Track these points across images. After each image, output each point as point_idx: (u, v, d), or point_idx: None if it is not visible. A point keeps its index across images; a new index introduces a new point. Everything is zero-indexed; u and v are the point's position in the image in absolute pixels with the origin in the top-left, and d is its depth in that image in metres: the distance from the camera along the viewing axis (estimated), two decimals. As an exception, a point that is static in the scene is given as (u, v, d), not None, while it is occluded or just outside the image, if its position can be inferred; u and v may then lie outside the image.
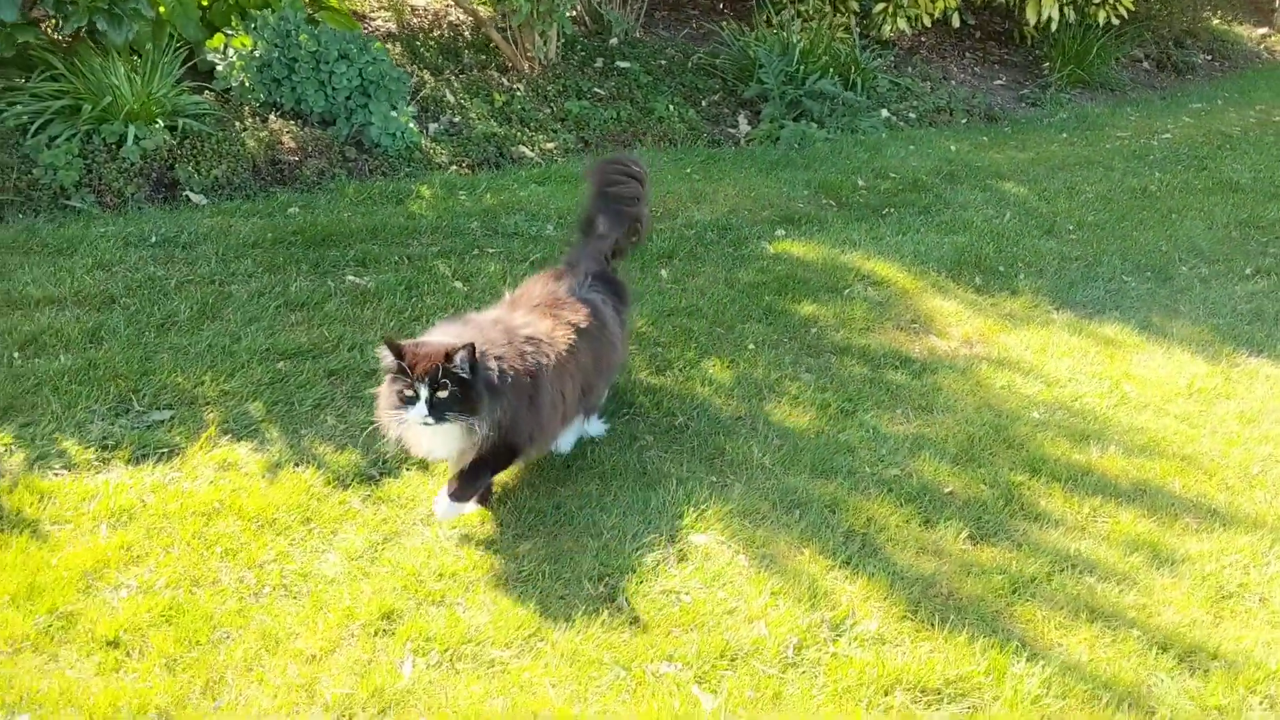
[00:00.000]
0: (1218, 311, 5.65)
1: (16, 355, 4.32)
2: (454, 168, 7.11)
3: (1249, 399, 4.74)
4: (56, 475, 3.64)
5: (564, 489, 3.74)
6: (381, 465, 3.81)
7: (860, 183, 7.15)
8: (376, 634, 3.08)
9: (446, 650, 3.02)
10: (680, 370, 4.63)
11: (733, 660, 3.06)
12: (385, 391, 3.25)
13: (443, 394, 3.14)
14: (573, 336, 3.58)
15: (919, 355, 4.93)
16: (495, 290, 4.97)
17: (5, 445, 3.77)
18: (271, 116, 7.00)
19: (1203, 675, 3.13)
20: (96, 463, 3.73)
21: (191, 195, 6.25)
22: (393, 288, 5.12)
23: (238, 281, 5.10)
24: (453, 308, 4.94)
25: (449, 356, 3.13)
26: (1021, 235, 6.48)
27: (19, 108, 6.28)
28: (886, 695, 2.97)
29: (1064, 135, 8.88)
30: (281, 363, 4.42)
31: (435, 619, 3.12)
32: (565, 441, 3.86)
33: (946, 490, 3.92)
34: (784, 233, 6.25)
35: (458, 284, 5.26)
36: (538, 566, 3.38)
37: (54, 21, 6.30)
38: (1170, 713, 2.96)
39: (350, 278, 5.25)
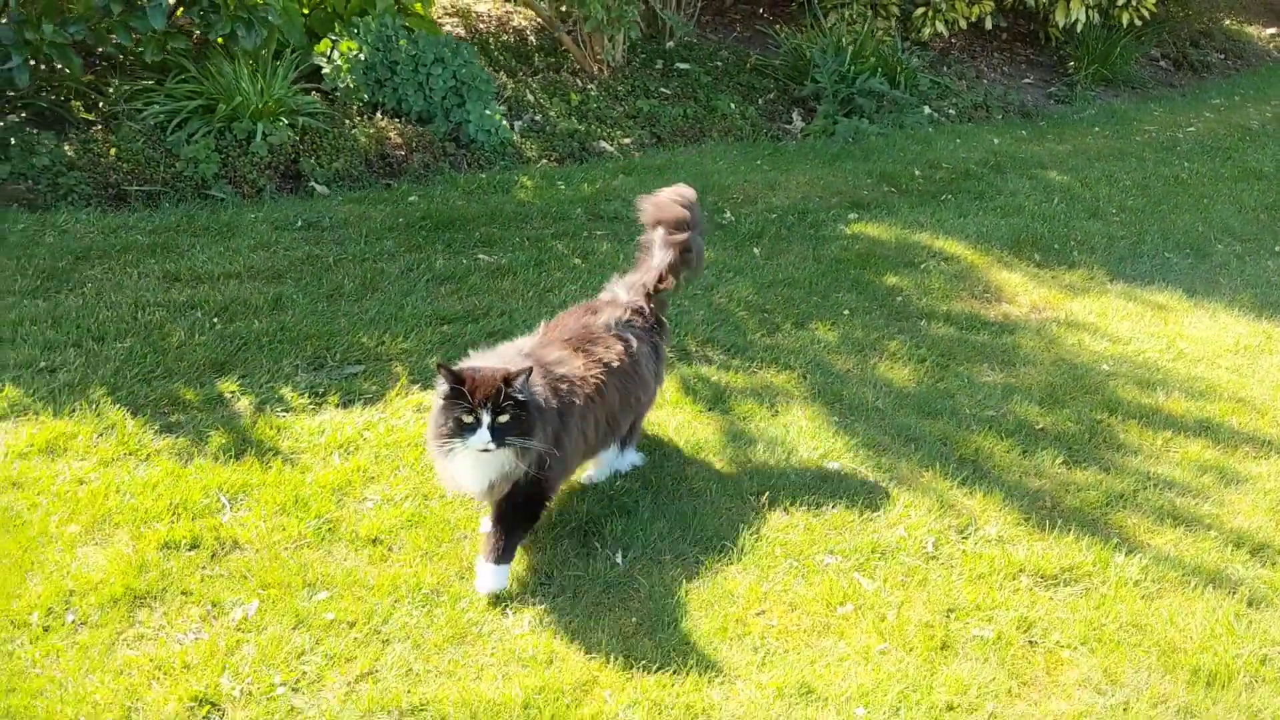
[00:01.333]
0: (1253, 283, 6.30)
1: (215, 320, 4.94)
2: (543, 161, 7.74)
3: (1289, 354, 5.39)
4: (282, 415, 4.27)
5: (705, 430, 4.37)
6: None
7: (916, 172, 7.79)
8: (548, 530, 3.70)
9: (645, 549, 3.64)
10: (788, 332, 5.27)
11: (883, 555, 3.69)
12: (438, 418, 3.24)
13: (504, 418, 3.15)
14: (603, 375, 3.58)
15: (995, 319, 5.57)
16: (611, 266, 5.59)
17: (231, 392, 4.40)
18: (376, 115, 7.62)
19: (1271, 565, 3.76)
20: (311, 406, 4.35)
21: (316, 186, 6.88)
22: (523, 264, 5.75)
23: (384, 259, 5.72)
24: (577, 281, 5.57)
25: (509, 381, 3.16)
26: (1070, 218, 7.13)
27: (156, 107, 6.91)
28: (1014, 580, 3.61)
29: (1096, 129, 9.53)
30: (445, 326, 5.05)
31: (624, 523, 3.74)
32: (599, 473, 3.92)
33: (1038, 427, 4.55)
34: (856, 216, 6.89)
35: (577, 260, 5.90)
36: (705, 485, 4.01)
37: (197, 28, 6.91)
38: (1249, 591, 3.59)
39: (481, 256, 5.88)
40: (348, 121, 7.44)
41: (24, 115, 6.89)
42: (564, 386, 3.43)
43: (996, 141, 8.80)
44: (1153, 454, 4.42)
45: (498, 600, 3.34)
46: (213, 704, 2.91)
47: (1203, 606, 3.51)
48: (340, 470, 3.93)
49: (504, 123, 7.79)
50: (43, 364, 4.45)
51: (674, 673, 3.09)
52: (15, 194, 6.28)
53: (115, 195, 6.44)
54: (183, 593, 3.30)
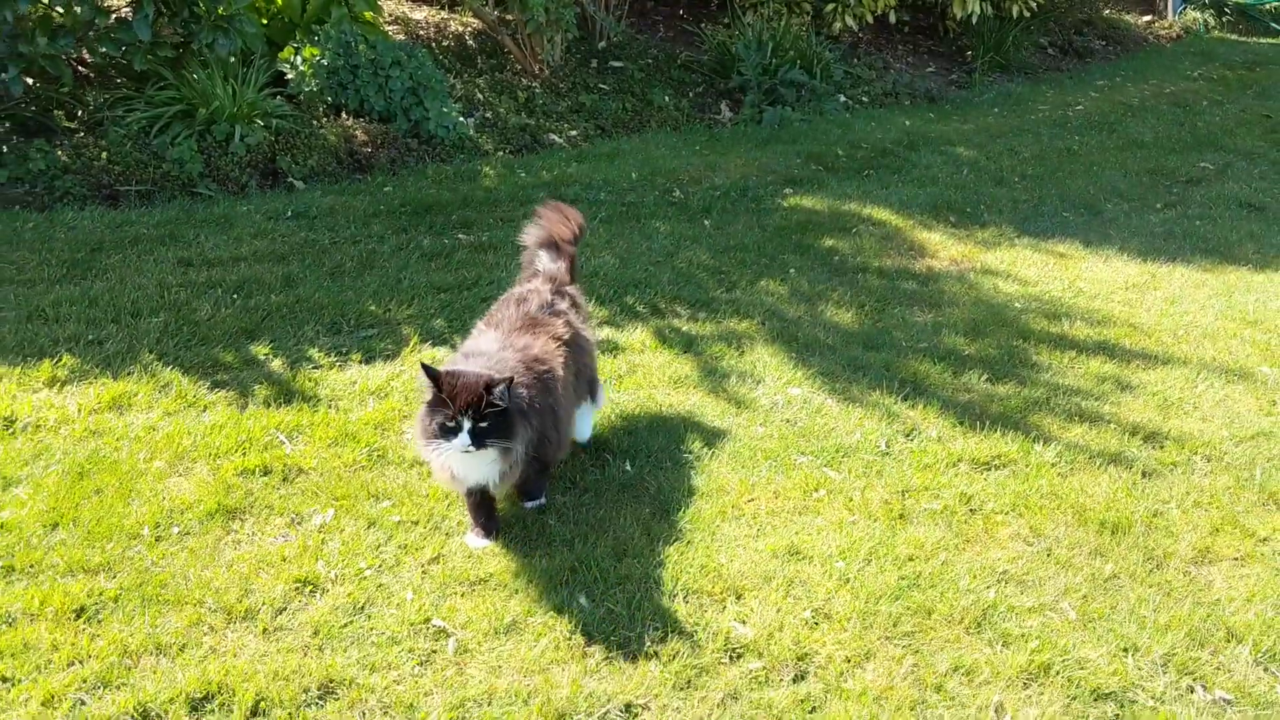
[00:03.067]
0: (1139, 234, 7.20)
1: (235, 296, 5.51)
2: (500, 153, 8.38)
3: (1170, 290, 6.27)
4: (314, 371, 4.86)
5: (684, 368, 5.07)
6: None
7: (840, 152, 8.60)
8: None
9: (649, 458, 4.32)
10: (744, 288, 6.00)
11: (845, 454, 4.42)
12: (423, 420, 3.44)
13: (484, 424, 3.34)
14: (563, 349, 3.87)
15: (921, 271, 6.37)
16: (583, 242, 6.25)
17: (264, 354, 4.98)
18: (341, 115, 8.19)
19: (1160, 448, 4.57)
20: (338, 364, 4.95)
21: (295, 182, 7.44)
22: (500, 241, 6.40)
23: (375, 241, 6.32)
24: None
25: (489, 388, 3.34)
26: (978, 186, 7.99)
27: (138, 113, 7.41)
28: (954, 467, 4.36)
29: (995, 110, 10.46)
30: (442, 294, 5.68)
31: (629, 439, 4.42)
32: (582, 431, 4.24)
33: (965, 353, 5.34)
34: (791, 190, 7.66)
35: (548, 236, 6.55)
36: (691, 408, 4.71)
37: (179, 37, 7.41)
38: (1143, 466, 4.40)
39: (461, 235, 6.51)
40: (315, 122, 8.00)
41: (8, 125, 7.32)
42: (543, 367, 3.68)
43: (908, 123, 9.66)
44: (1061, 370, 5.23)
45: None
46: (313, 584, 3.52)
47: (1106, 479, 4.30)
48: (377, 410, 4.54)
49: (460, 119, 8.41)
50: (90, 337, 4.97)
51: (687, 544, 3.78)
52: (14, 197, 6.73)
53: (109, 195, 6.93)
54: (266, 507, 3.90)
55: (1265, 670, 3.32)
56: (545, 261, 4.26)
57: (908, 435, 4.58)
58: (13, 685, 3.03)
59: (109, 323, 5.12)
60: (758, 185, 7.69)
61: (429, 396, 3.41)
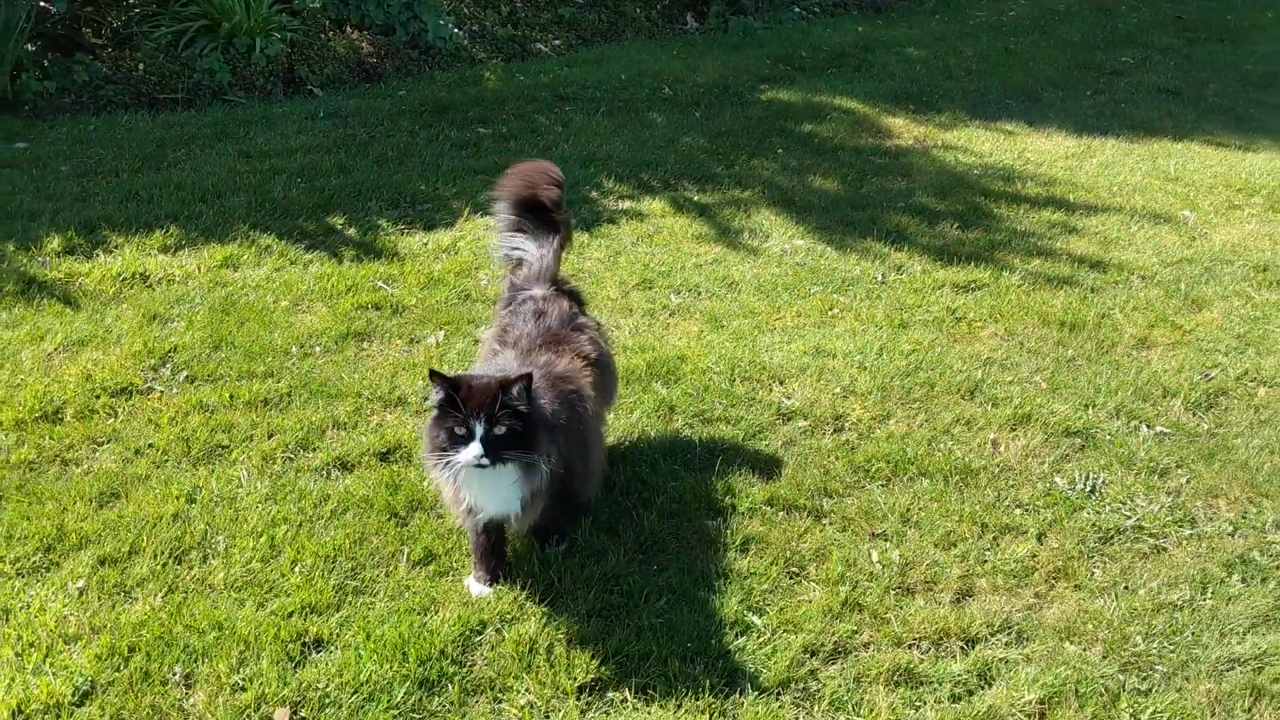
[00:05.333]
0: (1073, 115, 8.19)
1: (299, 179, 6.24)
2: (493, 61, 9.09)
3: (1103, 157, 7.27)
4: (388, 235, 5.65)
5: (700, 227, 5.93)
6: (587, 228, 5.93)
7: (804, 54, 9.46)
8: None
9: (689, 290, 5.20)
10: (741, 164, 6.87)
11: (849, 284, 5.34)
12: (431, 430, 2.97)
13: (500, 429, 2.86)
14: (590, 370, 3.43)
15: (890, 148, 7.29)
16: (585, 132, 7.09)
17: (340, 224, 5.74)
18: (345, 29, 8.84)
19: (1104, 272, 5.56)
20: (404, 230, 5.73)
21: (314, 89, 8.10)
22: (518, 133, 7.18)
23: (407, 135, 7.06)
24: (567, 141, 7.03)
25: (505, 387, 2.87)
26: (930, 80, 8.91)
27: (164, 28, 8.00)
28: (939, 289, 5.30)
29: (937, 17, 11.37)
30: (480, 175, 6.45)
31: (667, 278, 5.29)
32: None
33: (937, 209, 6.28)
34: (766, 87, 8.52)
35: (559, 128, 7.35)
36: (715, 255, 5.58)
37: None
38: (1091, 284, 5.38)
39: (480, 129, 7.28)
40: (322, 36, 8.63)
41: (41, 43, 7.87)
42: (569, 387, 3.23)
43: (860, 29, 10.53)
44: (1017, 219, 6.19)
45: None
46: (443, 382, 4.35)
47: (1063, 294, 5.28)
48: (453, 262, 5.36)
49: (456, 30, 9.10)
50: (185, 214, 5.69)
51: (735, 348, 4.67)
52: (64, 105, 7.34)
53: (149, 103, 7.55)
54: (385, 332, 4.71)
55: (1193, 414, 4.32)
56: (531, 249, 3.68)
57: (898, 270, 5.51)
58: (231, 449, 3.84)
59: (198, 202, 5.82)
60: (736, 83, 8.52)
61: (437, 400, 2.93)
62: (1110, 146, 7.47)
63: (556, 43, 9.63)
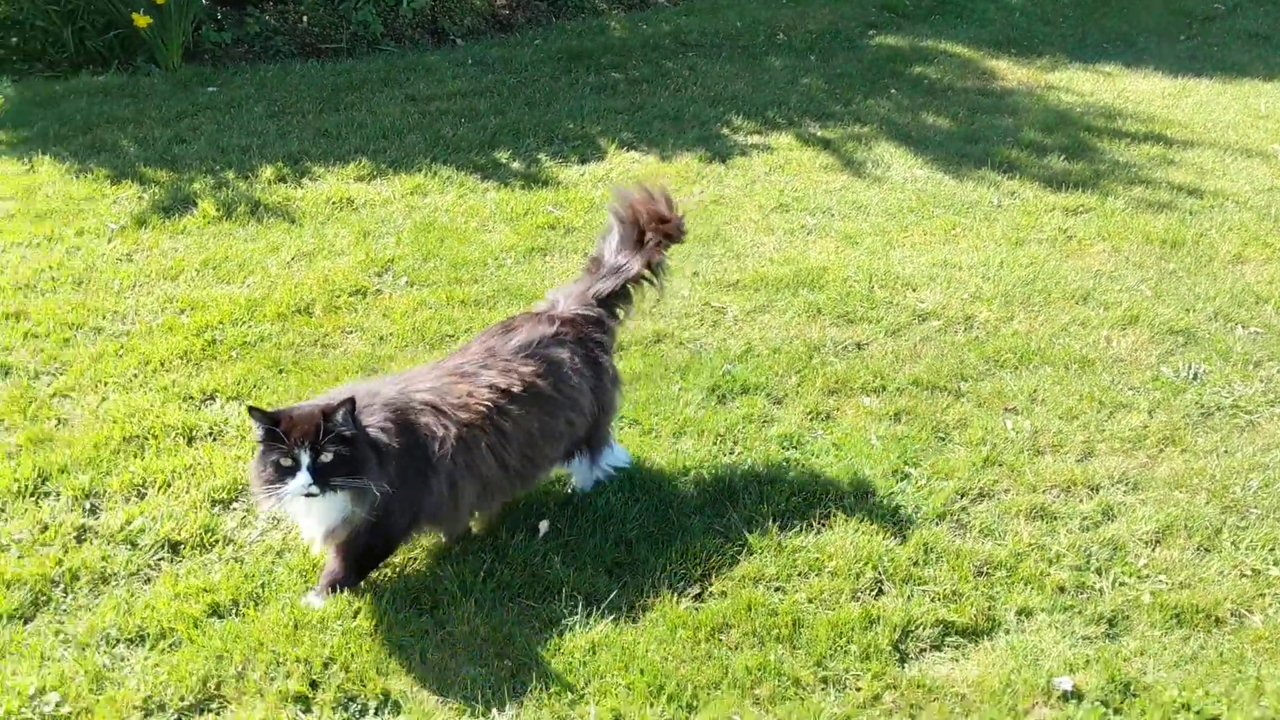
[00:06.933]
0: (1168, 59, 8.63)
1: (462, 120, 6.95)
2: (614, 12, 9.72)
3: (1197, 97, 7.74)
4: (547, 168, 6.35)
5: (826, 158, 6.54)
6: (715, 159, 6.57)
7: (907, 2, 9.96)
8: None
9: (822, 212, 5.84)
10: (858, 103, 7.45)
11: (968, 208, 5.92)
12: (258, 466, 2.91)
13: (327, 457, 2.83)
14: (493, 403, 3.18)
15: (996, 89, 7.82)
16: (712, 77, 7.72)
17: (504, 159, 6.46)
18: (480, -18, 9.50)
19: (1200, 198, 6.08)
20: (561, 163, 6.42)
21: (456, 39, 8.81)
22: (649, 77, 7.82)
23: (549, 80, 7.74)
24: (696, 84, 7.66)
25: (328, 415, 2.83)
26: (1030, 26, 9.38)
27: (320, -15, 8.72)
28: (1050, 213, 5.87)
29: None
30: (620, 115, 7.12)
31: (801, 202, 5.93)
32: (581, 484, 3.62)
33: (1044, 143, 6.82)
34: (874, 33, 9.06)
35: (686, 72, 7.99)
36: (841, 184, 6.20)
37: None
38: (1188, 209, 5.91)
39: (614, 74, 7.93)
40: (460, -12, 9.31)
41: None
42: (426, 420, 3.07)
43: (958, -22, 10.97)
44: (1119, 152, 6.73)
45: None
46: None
47: (1163, 217, 5.83)
48: (609, 190, 6.04)
49: (579, -18, 9.73)
50: (371, 149, 6.44)
51: (867, 259, 5.31)
52: (238, 54, 8.12)
53: (312, 52, 8.30)
54: (562, 248, 5.41)
55: (1283, 317, 4.89)
56: (608, 263, 3.60)
57: (1011, 195, 6.09)
58: (456, 337, 4.57)
59: (379, 139, 6.57)
60: (845, 29, 9.08)
61: (259, 435, 2.89)
62: (1204, 87, 7.92)
63: (671, -6, 10.20)
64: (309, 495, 2.85)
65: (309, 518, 3.00)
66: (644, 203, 3.59)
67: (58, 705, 2.80)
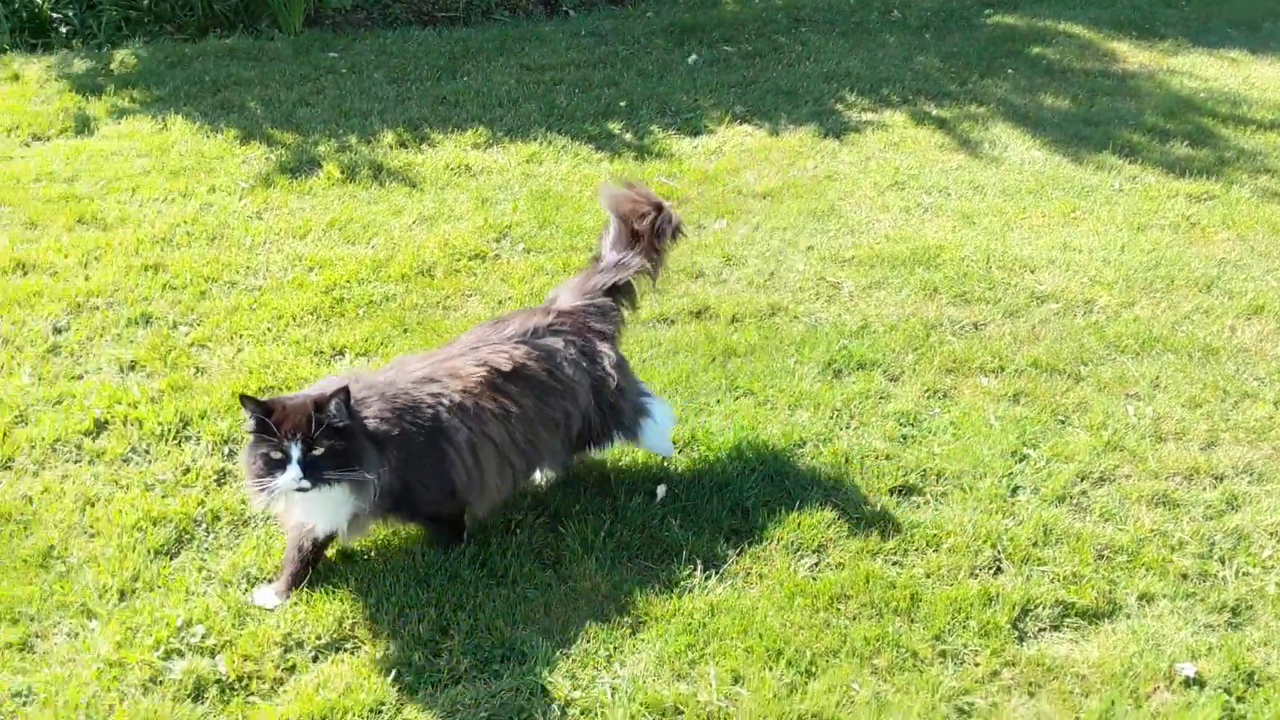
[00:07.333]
0: (1298, 45, 8.38)
1: (576, 90, 7.01)
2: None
3: (1331, 84, 7.50)
4: (660, 139, 6.38)
5: (941, 137, 6.47)
6: (832, 130, 6.54)
7: (1024, -19, 9.78)
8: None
9: (946, 194, 5.79)
10: (974, 83, 7.35)
11: (1088, 191, 5.83)
12: (249, 458, 2.81)
13: (319, 450, 2.73)
14: (488, 376, 3.12)
15: (1117, 71, 7.66)
16: (823, 52, 7.67)
17: (617, 129, 6.50)
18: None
19: (1333, 189, 5.93)
20: (674, 135, 6.45)
21: (569, 11, 8.86)
22: (761, 51, 7.80)
23: (660, 53, 7.76)
24: (809, 59, 7.63)
25: (320, 406, 2.73)
26: (1151, 8, 9.15)
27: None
28: (1173, 198, 5.75)
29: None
30: (733, 88, 7.12)
31: (926, 182, 5.88)
32: (655, 446, 3.56)
33: (1166, 128, 6.66)
34: (990, 11, 8.91)
35: (798, 47, 7.95)
36: (958, 163, 6.14)
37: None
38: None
39: (726, 48, 7.92)
40: (571, -39, 9.36)
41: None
42: (427, 392, 3.02)
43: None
44: (1244, 140, 6.55)
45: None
46: (732, 259, 5.07)
47: (1292, 206, 5.68)
48: (722, 163, 6.06)
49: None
50: (488, 117, 6.53)
51: (985, 239, 5.26)
52: (357, 21, 8.27)
53: (427, 20, 8.43)
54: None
55: None
56: (619, 255, 3.52)
57: (1132, 180, 5.98)
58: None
59: (496, 107, 6.66)
60: (960, 7, 8.95)
61: (251, 426, 2.80)
62: (1336, 74, 7.67)
63: (781, -31, 10.13)
64: (300, 490, 2.76)
65: (310, 509, 2.91)
66: (628, 200, 3.54)
67: (203, 637, 2.94)
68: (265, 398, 2.86)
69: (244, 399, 2.76)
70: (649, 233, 3.51)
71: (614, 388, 3.36)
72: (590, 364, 3.34)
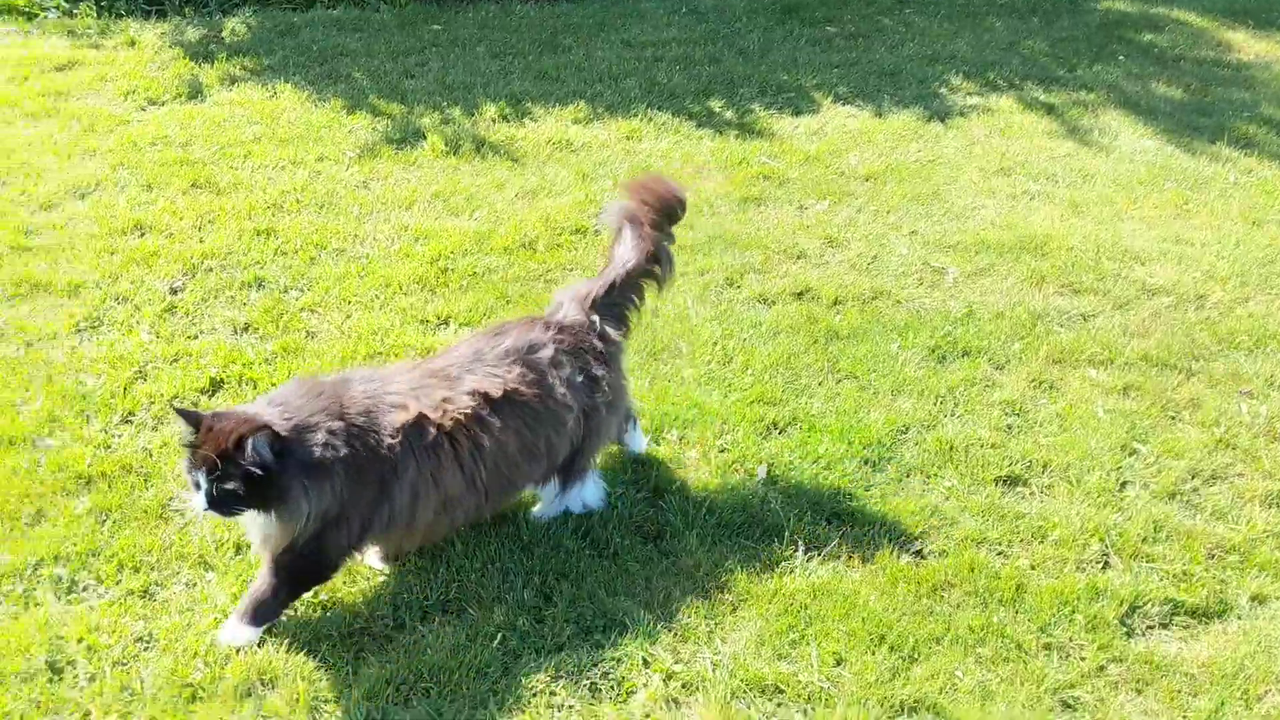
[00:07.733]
0: None
1: (677, 67, 6.98)
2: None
3: None
4: (760, 117, 6.33)
5: (1048, 124, 6.33)
6: (938, 115, 6.44)
7: (1136, -35, 9.51)
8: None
9: (1049, 179, 5.67)
10: (1083, 69, 7.18)
11: (1202, 184, 5.67)
12: (184, 466, 2.73)
13: (229, 485, 2.61)
14: (470, 413, 2.93)
15: (1231, 61, 7.42)
16: (924, 34, 7.53)
17: (718, 107, 6.47)
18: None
19: None
20: (775, 115, 6.39)
21: (666, -13, 8.82)
22: (864, 33, 7.70)
23: (762, 31, 7.70)
24: (912, 40, 7.51)
25: (239, 444, 2.59)
26: (1270, -4, 8.87)
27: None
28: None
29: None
30: (835, 69, 7.04)
31: (1025, 167, 5.77)
32: (541, 511, 3.30)
33: (1285, 119, 6.47)
34: (1100, -4, 8.70)
35: (901, 29, 7.83)
36: (1063, 153, 6.01)
37: None
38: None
39: (829, 28, 7.83)
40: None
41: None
42: (391, 420, 2.83)
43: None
44: (1370, 133, 6.33)
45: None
46: (834, 241, 5.02)
47: None
48: (824, 144, 6.00)
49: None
50: (589, 92, 6.54)
51: (1094, 229, 5.14)
52: (458, -4, 8.32)
53: (527, -4, 8.45)
54: (775, 199, 5.41)
55: None
56: (620, 252, 3.33)
57: (1248, 173, 5.80)
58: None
59: (597, 82, 6.67)
60: (1070, -8, 8.74)
61: (184, 440, 2.71)
62: None
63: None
64: (205, 514, 2.73)
65: (250, 534, 2.90)
66: (639, 190, 3.40)
67: (315, 593, 3.00)
68: (197, 411, 2.71)
69: (177, 410, 2.68)
70: (655, 212, 3.35)
71: (597, 426, 3.21)
72: (587, 390, 3.16)
